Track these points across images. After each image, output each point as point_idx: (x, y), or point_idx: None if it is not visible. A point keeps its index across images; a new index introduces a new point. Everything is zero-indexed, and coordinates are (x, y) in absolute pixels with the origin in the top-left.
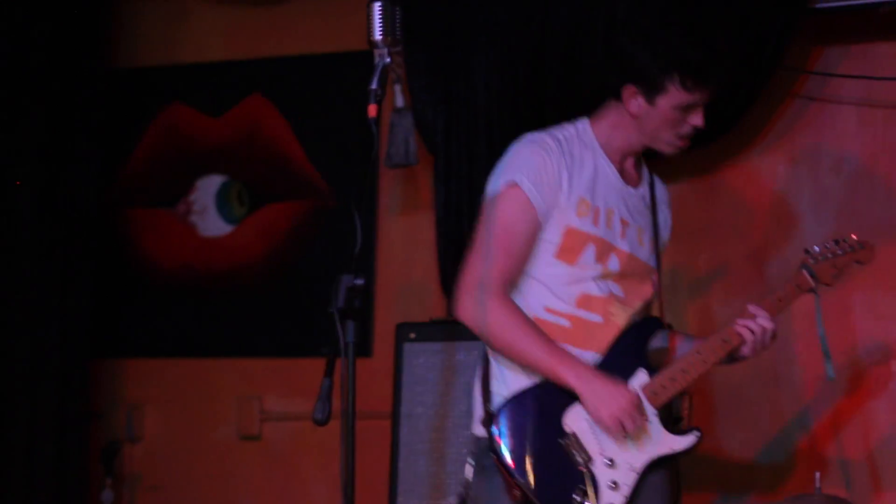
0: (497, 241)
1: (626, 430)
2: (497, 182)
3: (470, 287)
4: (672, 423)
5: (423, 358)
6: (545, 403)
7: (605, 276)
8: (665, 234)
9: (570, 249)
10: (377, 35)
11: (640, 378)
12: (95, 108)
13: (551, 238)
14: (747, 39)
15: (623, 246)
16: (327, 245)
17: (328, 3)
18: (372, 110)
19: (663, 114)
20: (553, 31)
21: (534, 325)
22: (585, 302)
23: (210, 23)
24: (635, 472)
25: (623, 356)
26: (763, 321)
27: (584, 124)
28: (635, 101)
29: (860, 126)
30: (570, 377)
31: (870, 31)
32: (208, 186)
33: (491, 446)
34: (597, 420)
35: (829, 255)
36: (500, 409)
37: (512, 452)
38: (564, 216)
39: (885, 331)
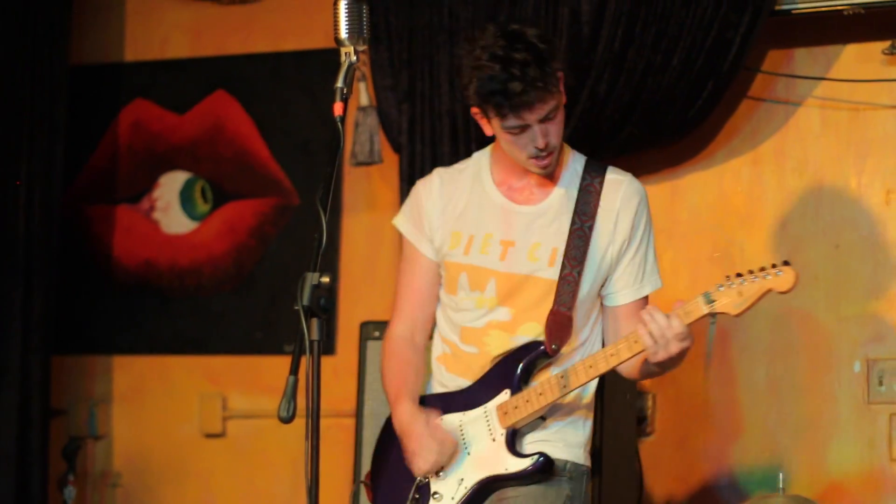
0: (396, 289)
1: (418, 467)
2: None
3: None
4: (637, 422)
5: None
6: None
7: (482, 304)
8: (608, 247)
9: (450, 282)
10: (344, 33)
11: (500, 398)
12: (58, 104)
13: (443, 273)
14: (712, 39)
15: (503, 268)
16: (291, 242)
17: (293, 0)
18: (338, 108)
19: (502, 136)
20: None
21: (394, 365)
22: (465, 335)
23: (175, 20)
24: (464, 487)
25: (492, 379)
26: (664, 324)
27: (486, 151)
28: (483, 123)
29: (824, 127)
30: (394, 422)
31: (834, 33)
32: (172, 183)
33: None
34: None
35: (738, 283)
36: (385, 421)
37: (373, 463)
38: (443, 251)
39: (846, 331)
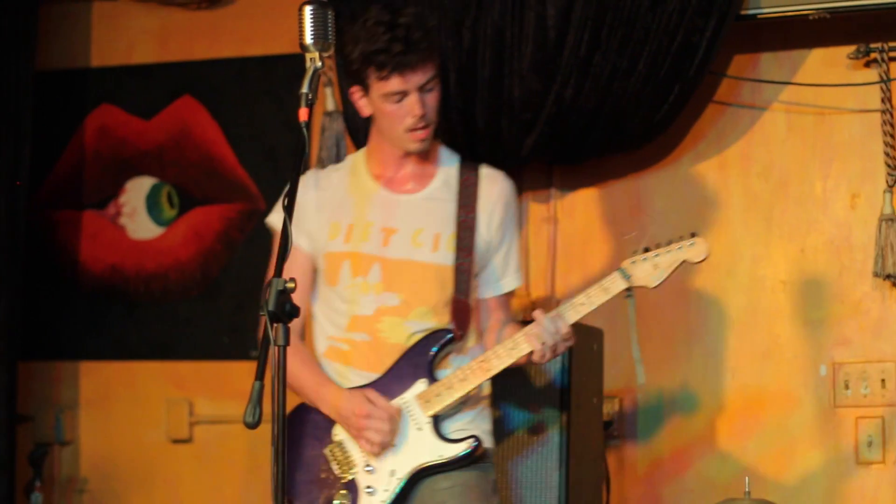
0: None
1: (372, 444)
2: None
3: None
4: (604, 427)
5: None
6: (317, 415)
7: (367, 290)
8: (487, 237)
9: (331, 273)
10: (309, 38)
11: (418, 388)
12: (24, 109)
13: (320, 268)
14: (678, 44)
15: (386, 253)
16: (257, 248)
17: (260, 6)
18: (303, 114)
19: (380, 108)
20: (484, 34)
21: (296, 355)
22: (354, 324)
23: (141, 25)
24: (397, 479)
25: (403, 370)
26: (552, 330)
27: (361, 150)
28: (361, 104)
29: (789, 132)
30: (324, 407)
31: (799, 37)
32: (138, 188)
33: None
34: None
35: (652, 256)
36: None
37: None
38: (321, 244)
39: (812, 335)
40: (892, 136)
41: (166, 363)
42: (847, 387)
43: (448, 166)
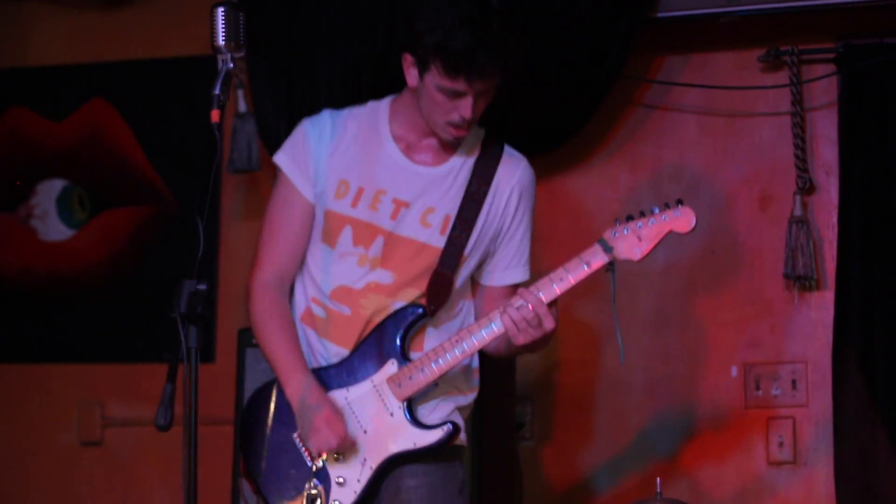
0: (265, 230)
1: (321, 454)
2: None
3: (248, 279)
4: (516, 428)
5: (265, 363)
6: (281, 397)
7: (364, 262)
8: (497, 219)
9: (329, 232)
10: (220, 40)
11: (389, 369)
12: None
13: (318, 221)
14: (589, 47)
15: (393, 228)
16: (169, 250)
17: (171, 7)
18: (215, 115)
19: (430, 93)
20: (398, 37)
21: (281, 325)
22: (338, 294)
23: (52, 27)
24: (370, 469)
25: (371, 349)
26: (525, 310)
27: (385, 102)
28: (411, 73)
29: (700, 134)
30: (288, 392)
31: (710, 40)
32: (49, 191)
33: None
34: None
35: (633, 227)
36: (247, 402)
37: (246, 444)
38: (325, 198)
39: (723, 336)
40: (801, 138)
41: (78, 366)
42: (758, 387)
43: (474, 137)
